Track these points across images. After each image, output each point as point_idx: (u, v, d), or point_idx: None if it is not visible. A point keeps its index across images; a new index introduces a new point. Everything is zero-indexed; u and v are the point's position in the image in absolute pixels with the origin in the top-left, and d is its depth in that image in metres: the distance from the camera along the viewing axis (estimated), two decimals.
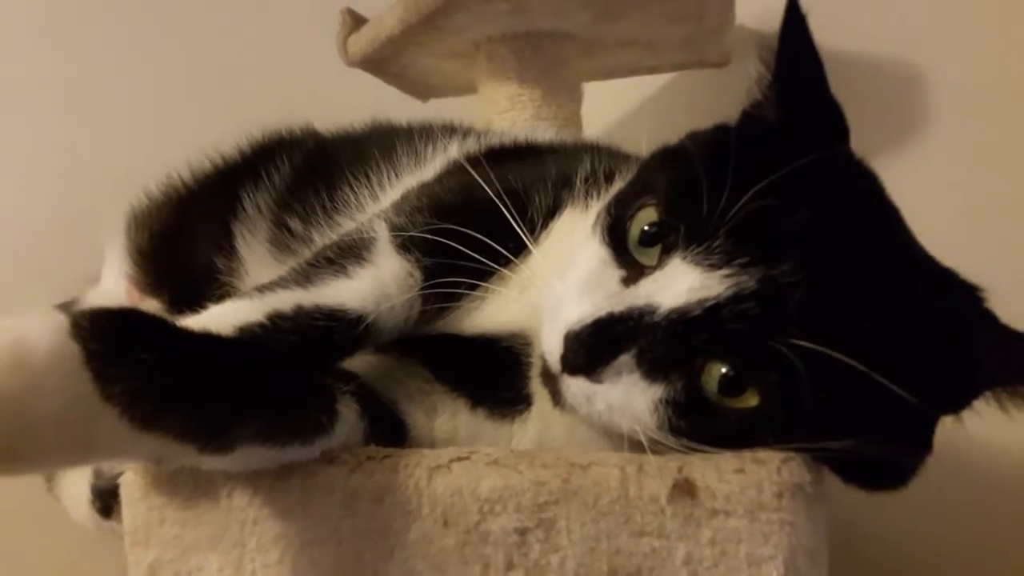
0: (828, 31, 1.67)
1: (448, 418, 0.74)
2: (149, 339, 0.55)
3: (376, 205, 0.88)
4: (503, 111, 1.51)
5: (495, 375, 0.73)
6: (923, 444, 0.62)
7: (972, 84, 1.41)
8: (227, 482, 0.66)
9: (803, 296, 0.57)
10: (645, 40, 1.60)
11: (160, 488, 0.68)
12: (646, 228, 0.65)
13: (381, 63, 1.64)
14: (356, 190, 0.90)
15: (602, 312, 0.61)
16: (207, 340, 0.60)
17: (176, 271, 1.05)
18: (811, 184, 0.61)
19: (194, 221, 1.06)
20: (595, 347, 0.61)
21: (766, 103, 0.69)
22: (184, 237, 1.06)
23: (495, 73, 1.53)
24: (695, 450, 0.60)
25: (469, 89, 1.76)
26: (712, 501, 0.57)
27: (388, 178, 0.90)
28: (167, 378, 0.55)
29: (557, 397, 0.65)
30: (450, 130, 0.96)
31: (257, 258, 0.98)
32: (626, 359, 0.61)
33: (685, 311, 0.59)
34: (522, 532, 0.60)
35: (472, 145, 0.91)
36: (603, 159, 0.80)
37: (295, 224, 0.94)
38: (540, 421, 0.71)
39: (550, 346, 0.64)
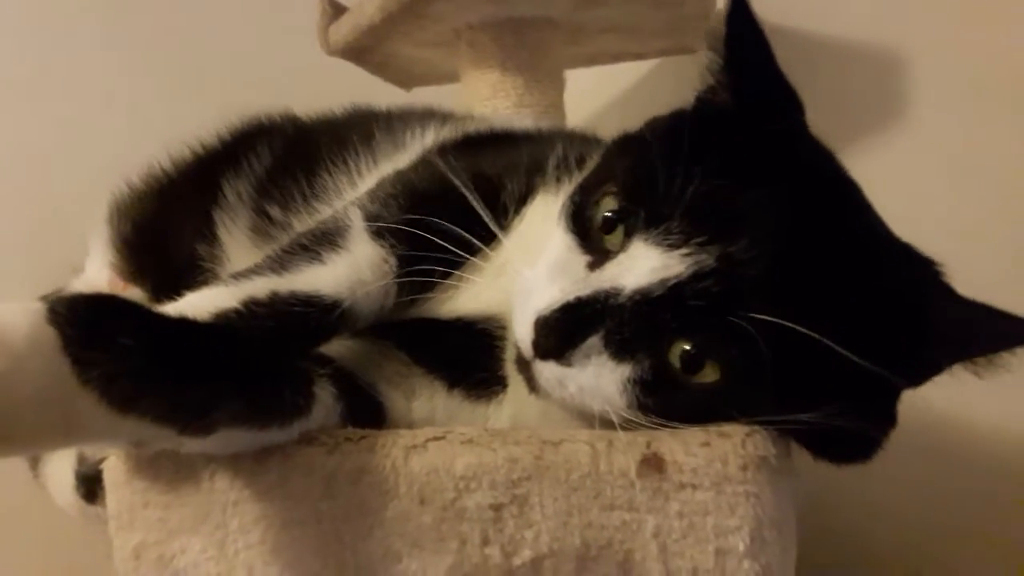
0: (806, 16, 1.68)
1: (426, 400, 0.76)
2: (125, 324, 0.56)
3: (354, 191, 0.89)
4: (486, 99, 1.51)
5: (471, 358, 0.74)
6: (887, 417, 0.64)
7: (950, 70, 1.42)
8: (208, 465, 0.67)
9: (760, 271, 0.58)
10: (627, 26, 1.60)
11: (143, 472, 0.69)
12: (608, 214, 0.66)
13: (362, 52, 1.64)
14: (334, 176, 0.91)
15: (569, 296, 0.62)
16: (184, 324, 0.61)
17: (159, 259, 1.06)
18: (765, 161, 0.63)
19: (176, 210, 1.07)
20: (563, 331, 0.62)
21: (718, 87, 0.70)
22: (166, 226, 1.07)
23: (477, 61, 1.53)
24: (664, 427, 0.62)
25: (452, 78, 1.75)
26: (679, 475, 0.59)
27: (366, 164, 0.91)
28: (144, 362, 0.56)
29: (532, 383, 0.66)
30: (429, 116, 0.96)
31: (238, 245, 0.99)
32: (594, 341, 0.62)
33: (648, 291, 0.60)
34: (497, 508, 0.62)
35: (449, 132, 0.92)
36: (575, 145, 0.81)
37: (274, 211, 0.95)
38: (515, 402, 0.73)
39: (521, 333, 0.65)
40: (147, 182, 1.12)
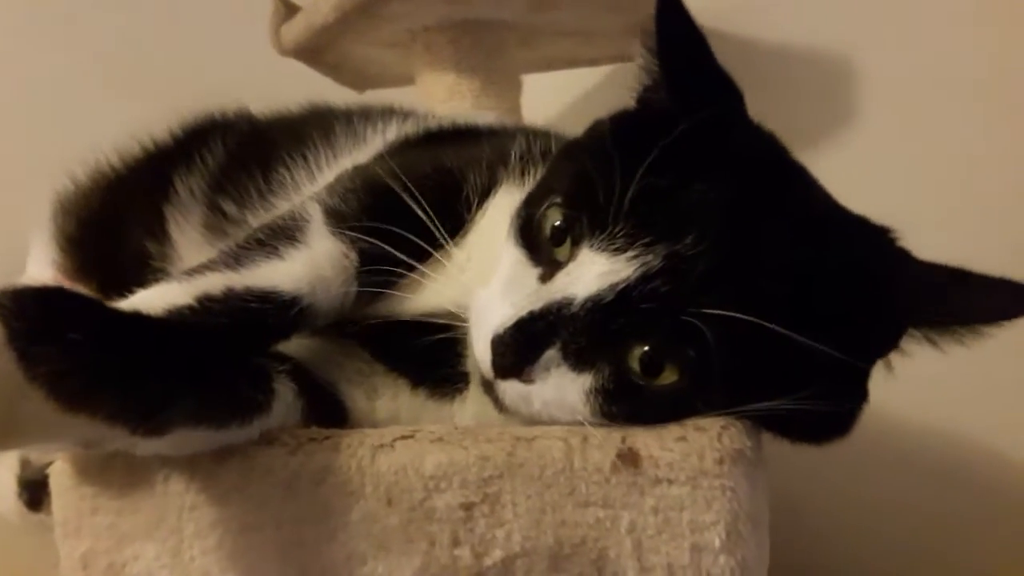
0: (761, 24, 1.70)
1: (389, 399, 0.74)
2: (75, 318, 0.53)
3: (312, 186, 0.87)
4: (442, 101, 1.49)
5: (433, 355, 0.72)
6: (858, 392, 0.63)
7: (901, 76, 1.44)
8: (163, 467, 0.64)
9: (708, 266, 0.58)
10: (582, 30, 1.61)
11: (92, 477, 0.66)
12: (556, 225, 0.65)
13: (316, 53, 1.61)
14: (292, 171, 0.89)
15: (523, 312, 0.61)
16: (136, 320, 0.58)
17: (106, 257, 1.02)
18: (704, 154, 0.62)
19: (124, 206, 1.03)
20: (519, 347, 0.61)
21: (653, 85, 0.70)
22: (114, 222, 1.03)
23: (433, 63, 1.51)
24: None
25: (407, 80, 1.73)
26: (655, 469, 0.58)
27: (326, 159, 0.89)
28: (95, 358, 0.53)
29: (498, 403, 0.65)
30: (390, 113, 0.95)
31: (190, 243, 0.96)
32: (552, 354, 0.61)
33: (599, 298, 0.59)
34: (468, 507, 0.60)
35: (411, 128, 0.90)
36: (538, 138, 0.80)
37: (229, 207, 0.92)
38: (478, 399, 0.71)
39: (480, 354, 0.64)
40: (93, 178, 1.08)
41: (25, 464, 0.84)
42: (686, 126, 0.61)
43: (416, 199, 0.71)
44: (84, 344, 0.52)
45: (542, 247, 0.66)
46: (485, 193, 0.76)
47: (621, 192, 0.60)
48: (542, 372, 0.61)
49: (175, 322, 0.60)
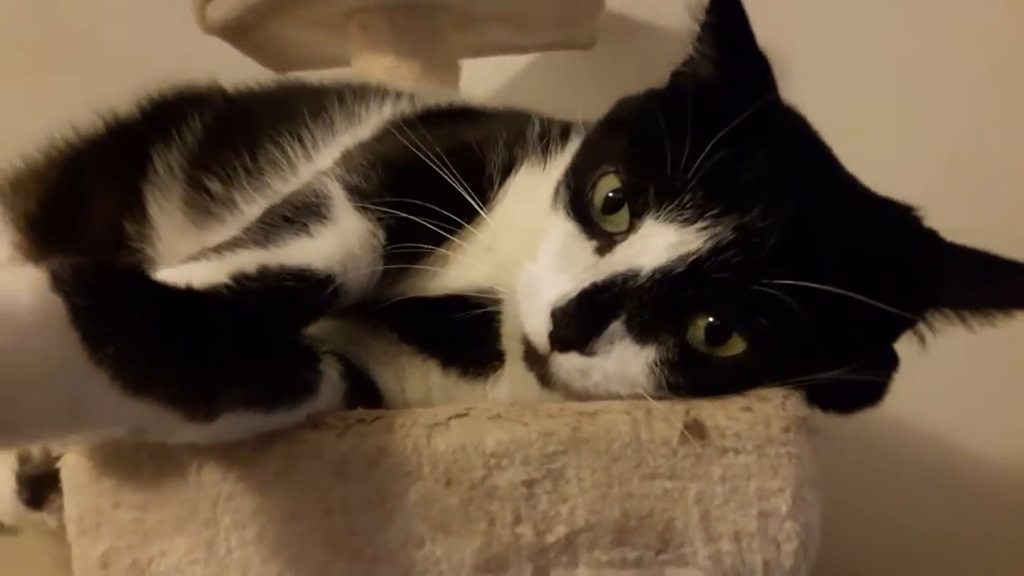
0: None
1: (419, 380, 0.72)
2: (137, 293, 0.50)
3: (310, 165, 0.83)
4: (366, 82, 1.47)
5: (465, 334, 0.71)
6: (893, 359, 0.66)
7: (830, 68, 1.50)
8: (195, 457, 0.61)
9: (776, 238, 0.59)
10: (519, 16, 1.61)
11: (112, 469, 0.61)
12: (610, 195, 0.65)
13: (242, 32, 1.55)
14: (285, 150, 0.85)
15: (585, 284, 0.61)
16: (191, 297, 0.54)
17: (72, 237, 0.94)
18: (759, 132, 0.63)
19: (89, 182, 0.96)
20: (585, 319, 0.60)
21: (701, 60, 0.70)
22: (77, 200, 0.96)
23: (370, 45, 1.48)
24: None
25: (334, 62, 1.70)
26: (722, 440, 0.59)
27: (322, 137, 0.85)
28: (160, 338, 0.50)
29: (546, 378, 0.64)
30: (383, 91, 0.92)
31: (171, 222, 0.90)
32: (617, 326, 0.61)
33: (668, 269, 0.60)
34: (530, 484, 0.59)
35: (406, 106, 0.88)
36: (551, 119, 0.80)
37: (214, 185, 0.87)
38: (513, 378, 0.70)
39: (535, 327, 0.63)
40: (49, 156, 1.00)
41: (25, 459, 0.77)
42: (754, 108, 0.62)
43: (444, 174, 0.69)
44: (149, 323, 0.49)
45: (593, 219, 0.66)
46: (506, 171, 0.75)
47: (688, 163, 0.61)
48: (606, 345, 0.61)
49: (224, 299, 0.57)
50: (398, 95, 0.91)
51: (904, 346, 0.67)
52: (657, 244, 0.61)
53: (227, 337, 0.54)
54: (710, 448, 0.59)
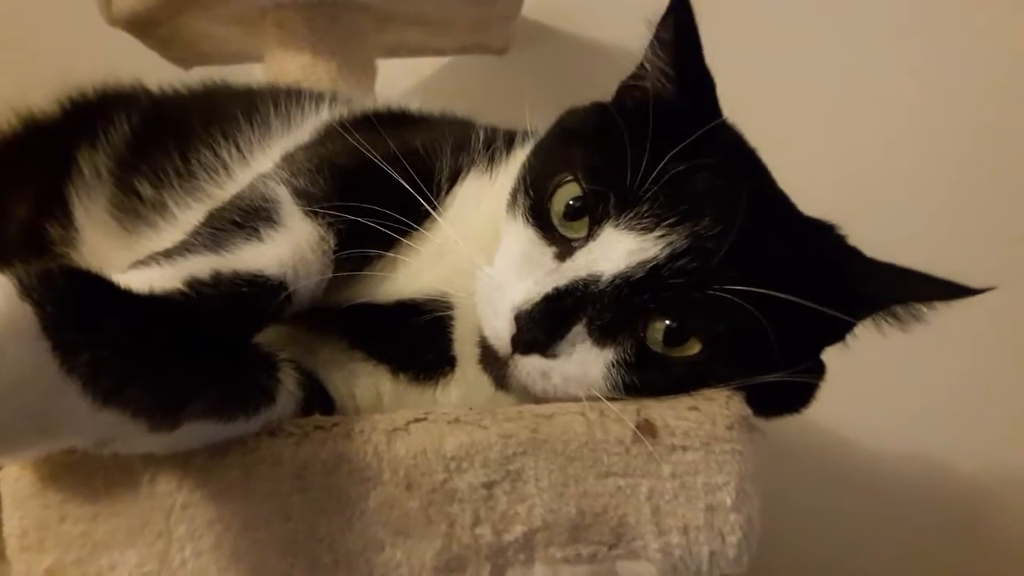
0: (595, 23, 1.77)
1: (370, 386, 0.72)
2: (108, 302, 0.49)
3: (246, 168, 0.82)
4: (295, 82, 1.45)
5: (415, 340, 0.72)
6: (821, 367, 0.71)
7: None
8: (148, 466, 0.60)
9: (726, 245, 0.63)
10: (437, 19, 1.62)
11: (59, 481, 0.59)
12: (570, 203, 0.67)
13: (149, 25, 1.51)
14: (219, 152, 0.83)
15: (548, 288, 0.63)
16: (157, 305, 0.53)
17: None
18: (708, 148, 0.67)
19: (7, 183, 0.91)
20: (549, 322, 0.63)
21: (657, 75, 0.73)
22: None
23: (286, 42, 1.47)
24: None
25: (242, 58, 1.67)
26: (671, 438, 0.62)
27: (258, 140, 0.84)
28: (131, 347, 0.49)
29: (503, 380, 0.66)
30: (316, 94, 0.91)
31: (97, 225, 0.87)
32: (579, 329, 0.64)
33: (628, 275, 0.63)
34: (489, 486, 0.61)
35: (343, 110, 0.88)
36: (495, 128, 0.82)
37: (144, 188, 0.85)
38: (464, 383, 0.72)
39: (496, 330, 0.65)
40: None
41: None
42: (703, 126, 0.66)
43: (393, 179, 0.70)
44: (121, 331, 0.48)
45: (554, 224, 0.68)
46: (453, 179, 0.76)
47: (645, 175, 0.64)
48: (568, 347, 0.63)
49: (188, 307, 0.56)
50: (334, 98, 0.91)
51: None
52: (617, 251, 0.63)
53: (190, 345, 0.54)
54: (660, 446, 0.62)
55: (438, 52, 1.82)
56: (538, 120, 0.81)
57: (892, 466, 1.53)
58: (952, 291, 0.66)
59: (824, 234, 0.72)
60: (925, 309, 0.68)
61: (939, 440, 1.52)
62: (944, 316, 0.68)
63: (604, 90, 0.81)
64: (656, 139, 0.65)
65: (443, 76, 1.93)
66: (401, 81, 1.93)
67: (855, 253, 0.71)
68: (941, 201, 1.54)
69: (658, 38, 0.72)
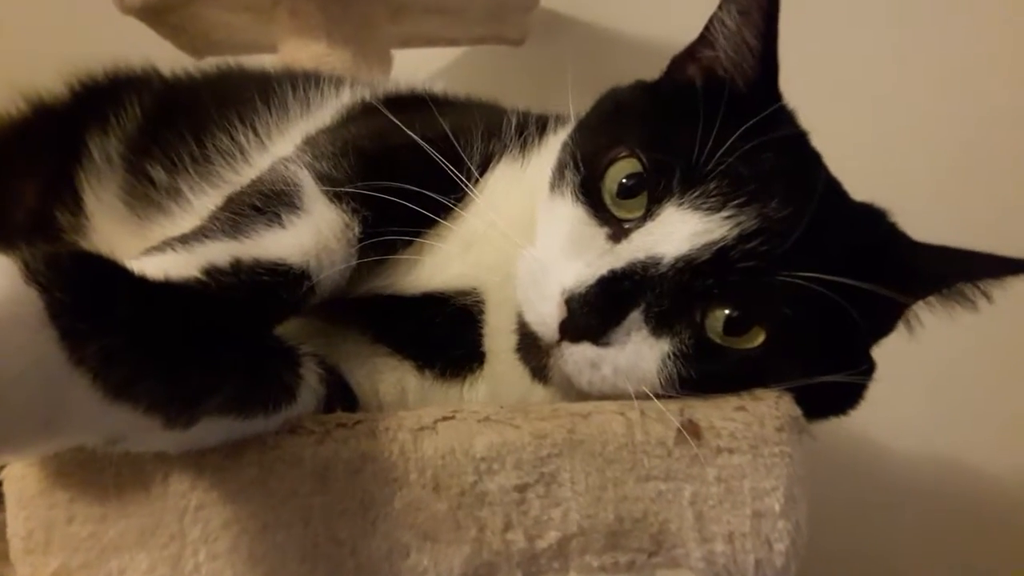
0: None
1: (394, 382, 0.69)
2: (120, 287, 0.45)
3: (264, 152, 0.79)
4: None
5: (443, 334, 0.69)
6: (871, 364, 0.67)
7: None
8: (161, 466, 0.56)
9: (798, 228, 0.59)
10: (453, 8, 1.59)
11: (67, 480, 0.56)
12: (624, 180, 0.63)
13: (162, 12, 1.49)
14: (236, 136, 0.80)
15: (603, 270, 0.59)
16: (172, 293, 0.50)
17: None
18: (771, 128, 0.63)
19: (17, 169, 0.88)
20: (605, 307, 0.58)
21: (731, 46, 0.69)
22: (3, 188, 0.88)
23: (300, 30, 1.44)
24: (693, 397, 0.61)
25: (256, 47, 1.65)
26: (717, 440, 0.58)
27: (276, 124, 0.81)
28: (144, 338, 0.45)
29: (543, 372, 0.62)
30: (337, 77, 0.88)
31: (109, 211, 0.84)
32: (635, 316, 0.59)
33: (692, 257, 0.59)
34: (522, 489, 0.58)
35: (366, 92, 0.84)
36: (527, 112, 0.78)
37: (157, 173, 0.81)
38: (492, 380, 0.68)
39: (541, 314, 0.60)
40: None
41: None
42: (776, 105, 0.63)
43: (416, 166, 0.66)
44: (133, 320, 0.45)
45: (605, 204, 0.64)
46: (484, 165, 0.72)
47: (712, 151, 0.60)
48: (622, 335, 0.59)
49: (206, 295, 0.53)
50: (354, 81, 0.87)
51: None
52: (680, 231, 0.59)
53: (207, 337, 0.50)
54: (705, 448, 0.58)
55: (454, 42, 1.79)
56: (560, 110, 0.77)
57: (914, 465, 1.49)
58: (1018, 266, 0.62)
59: (878, 219, 0.68)
60: (993, 287, 0.64)
61: (961, 439, 1.48)
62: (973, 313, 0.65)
63: (623, 80, 0.78)
64: (726, 114, 0.62)
65: (459, 67, 1.90)
66: (416, 72, 1.89)
67: (907, 237, 0.67)
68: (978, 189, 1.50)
69: (739, 5, 0.68)
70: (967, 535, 1.45)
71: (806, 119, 0.73)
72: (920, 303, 0.66)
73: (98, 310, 0.44)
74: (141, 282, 0.48)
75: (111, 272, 0.46)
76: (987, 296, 0.64)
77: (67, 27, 1.57)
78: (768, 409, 0.59)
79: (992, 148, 1.49)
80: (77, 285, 0.43)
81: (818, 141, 0.71)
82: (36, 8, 1.60)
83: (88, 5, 1.49)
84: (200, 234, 0.59)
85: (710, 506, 0.58)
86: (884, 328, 0.67)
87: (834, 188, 0.69)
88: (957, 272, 0.64)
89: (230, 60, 1.35)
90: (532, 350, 0.62)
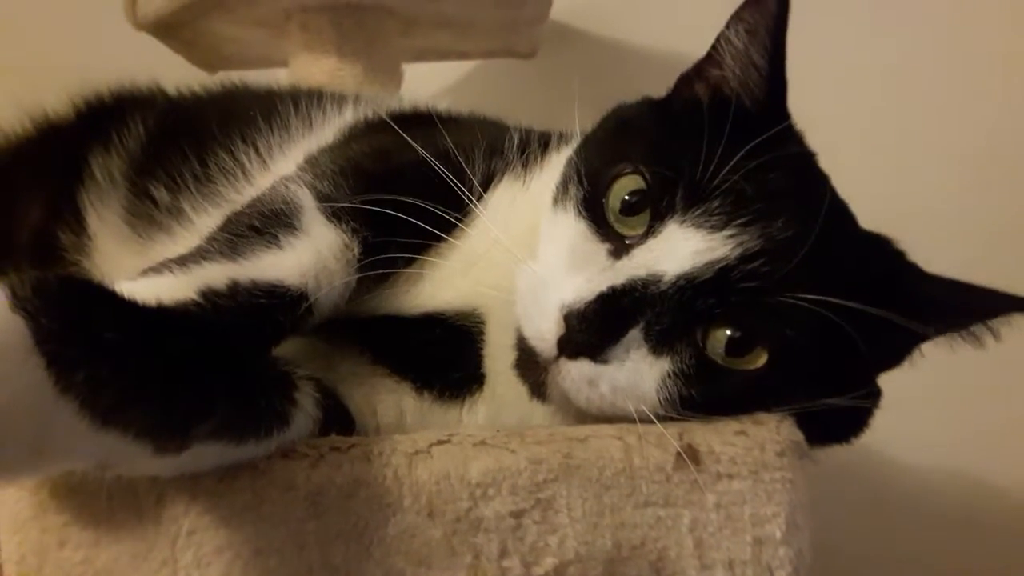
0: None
1: (393, 403, 0.68)
2: (108, 313, 0.45)
3: (266, 172, 0.79)
4: (321, 86, 1.43)
5: (442, 356, 0.68)
6: (877, 393, 0.66)
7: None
8: (153, 489, 0.56)
9: (803, 249, 0.58)
10: (464, 22, 1.59)
11: (60, 504, 0.56)
12: (627, 197, 0.63)
13: (175, 28, 1.50)
14: (238, 156, 0.80)
15: (602, 286, 0.58)
16: (164, 317, 0.50)
17: None
18: (777, 147, 0.63)
19: (20, 189, 0.88)
20: (604, 324, 0.57)
21: (738, 65, 0.68)
22: (6, 207, 0.88)
23: (311, 45, 1.45)
24: (693, 419, 0.60)
25: (268, 62, 1.65)
26: (716, 465, 0.57)
27: (278, 143, 0.81)
28: (132, 363, 0.45)
29: (541, 389, 0.61)
30: (338, 94, 0.88)
31: (111, 231, 0.84)
32: (635, 334, 0.58)
33: (694, 276, 0.58)
34: (518, 515, 0.57)
35: (368, 111, 0.84)
36: (529, 130, 0.77)
37: (159, 193, 0.81)
38: (491, 402, 0.68)
39: (539, 330, 0.60)
40: None
41: None
42: (783, 125, 0.63)
43: (417, 185, 0.66)
44: (122, 346, 0.44)
45: (608, 220, 0.63)
46: (486, 184, 0.71)
47: (717, 169, 0.59)
48: (621, 353, 0.58)
49: (193, 320, 0.52)
50: (357, 99, 0.87)
51: None
52: (682, 249, 0.59)
53: (199, 361, 0.50)
54: (705, 474, 0.57)
55: (465, 56, 1.79)
56: (571, 123, 0.77)
57: (917, 476, 1.47)
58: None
59: (884, 247, 0.67)
60: (1003, 324, 0.62)
61: (964, 448, 1.46)
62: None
63: (634, 93, 0.77)
64: (732, 132, 0.61)
65: (470, 80, 1.90)
66: (428, 86, 1.90)
67: (917, 268, 0.66)
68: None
69: (746, 24, 0.67)
70: (969, 545, 1.43)
71: (814, 138, 0.72)
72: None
73: (86, 336, 0.43)
74: (131, 307, 0.47)
75: (100, 297, 0.46)
76: (995, 334, 0.63)
77: (81, 44, 1.58)
78: (769, 434, 0.58)
79: (1005, 163, 1.47)
80: (64, 311, 0.43)
81: (827, 162, 0.71)
82: (50, 25, 1.61)
83: (102, 21, 1.50)
84: (198, 255, 0.59)
85: (710, 533, 0.57)
86: (891, 359, 0.66)
87: (842, 211, 0.68)
88: (972, 312, 0.63)
89: (241, 76, 1.38)
90: (530, 366, 0.61)
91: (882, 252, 0.67)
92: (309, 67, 1.43)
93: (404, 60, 1.61)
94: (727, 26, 0.68)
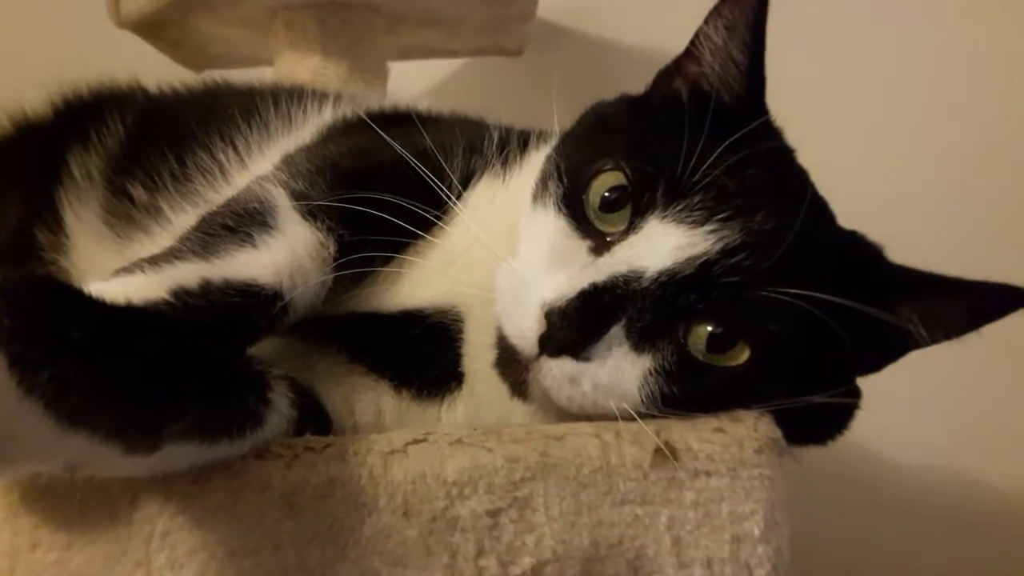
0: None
1: (370, 402, 0.68)
2: (74, 312, 0.44)
3: (244, 171, 0.78)
4: (305, 84, 1.42)
5: (420, 354, 0.68)
6: (857, 393, 0.66)
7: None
8: (127, 490, 0.55)
9: (784, 243, 0.58)
10: (451, 20, 1.58)
11: (31, 506, 0.55)
12: (607, 194, 0.62)
13: (159, 27, 1.49)
14: (216, 155, 0.79)
15: (583, 283, 0.57)
16: (132, 316, 0.49)
17: None
18: (757, 142, 0.62)
19: None
20: (585, 321, 0.57)
21: (717, 60, 0.68)
22: None
23: (296, 43, 1.44)
24: (674, 417, 0.59)
25: (253, 61, 1.65)
26: (694, 462, 0.57)
27: (257, 142, 0.80)
28: (99, 364, 0.44)
29: (522, 387, 0.61)
30: (319, 93, 0.87)
31: (88, 231, 0.83)
32: (617, 331, 0.58)
33: (675, 271, 0.57)
34: (494, 514, 0.56)
35: (347, 109, 0.83)
36: (509, 128, 0.77)
37: (137, 192, 0.81)
38: (470, 401, 0.67)
39: (520, 328, 0.59)
40: None
41: None
42: (761, 119, 0.63)
43: (395, 183, 0.65)
44: (88, 346, 0.44)
45: (588, 216, 0.63)
46: (465, 182, 0.71)
47: (697, 163, 0.59)
48: (603, 350, 0.58)
49: (164, 319, 0.52)
50: (337, 97, 0.86)
51: None
52: (663, 245, 0.58)
53: (170, 361, 0.49)
54: (682, 471, 0.57)
55: (452, 54, 1.79)
56: (555, 122, 0.76)
57: (920, 479, 1.47)
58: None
59: (861, 243, 0.67)
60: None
61: (970, 452, 1.46)
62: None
63: (620, 91, 0.76)
64: (712, 128, 0.61)
65: (457, 78, 1.89)
66: (414, 84, 1.89)
67: (897, 265, 0.65)
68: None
69: (725, 20, 0.67)
70: (964, 545, 1.43)
71: (794, 136, 0.72)
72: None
73: (51, 336, 0.43)
74: (98, 306, 0.47)
75: (66, 297, 0.45)
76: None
77: (62, 42, 1.57)
78: (747, 431, 0.57)
79: (1004, 163, 1.47)
80: (28, 311, 0.42)
81: (826, 162, 0.70)
82: (33, 24, 1.60)
83: (85, 20, 1.49)
84: (171, 255, 0.58)
85: (687, 531, 0.56)
86: (873, 359, 0.65)
87: (821, 207, 0.67)
88: (968, 319, 0.63)
89: (224, 75, 1.37)
90: (511, 364, 0.61)
91: (860, 247, 0.67)
92: (294, 65, 1.43)
93: (390, 58, 1.60)
94: (706, 21, 0.68)
